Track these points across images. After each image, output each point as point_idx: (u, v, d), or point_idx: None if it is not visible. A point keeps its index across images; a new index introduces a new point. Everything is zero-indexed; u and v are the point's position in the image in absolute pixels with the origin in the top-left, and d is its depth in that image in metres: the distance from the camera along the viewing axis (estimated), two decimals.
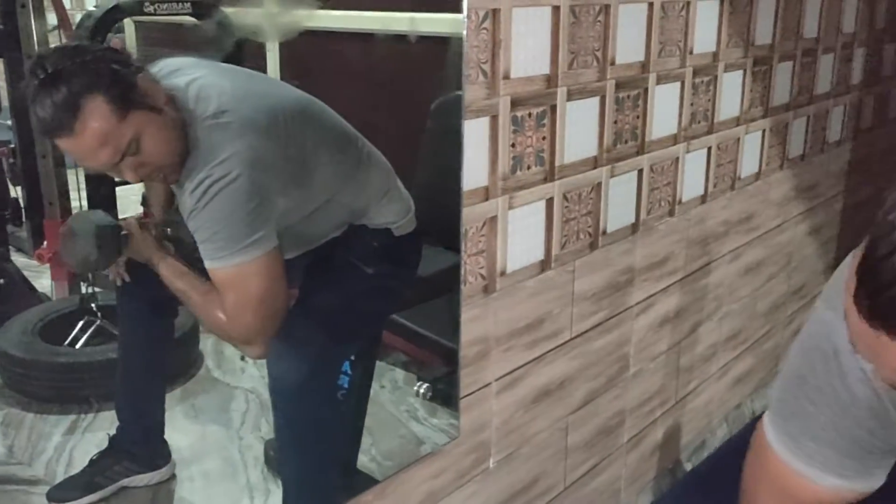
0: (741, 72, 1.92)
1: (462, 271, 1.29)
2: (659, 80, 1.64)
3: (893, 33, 2.71)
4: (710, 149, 1.87)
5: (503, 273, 1.38)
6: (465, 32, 1.19)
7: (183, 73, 1.22)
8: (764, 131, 2.09)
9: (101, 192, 1.46)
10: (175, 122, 1.15)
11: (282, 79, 1.50)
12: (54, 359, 1.58)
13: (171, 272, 1.24)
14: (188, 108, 1.16)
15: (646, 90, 1.61)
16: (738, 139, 1.98)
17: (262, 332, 1.20)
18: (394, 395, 1.49)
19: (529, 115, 1.35)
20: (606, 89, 1.50)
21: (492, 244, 1.34)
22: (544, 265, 1.46)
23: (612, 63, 1.50)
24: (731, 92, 1.91)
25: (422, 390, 1.27)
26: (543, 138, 1.39)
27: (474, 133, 1.26)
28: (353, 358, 1.35)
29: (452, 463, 1.37)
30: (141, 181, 1.20)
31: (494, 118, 1.29)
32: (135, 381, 1.50)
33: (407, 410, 1.41)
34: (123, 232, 1.26)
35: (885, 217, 0.61)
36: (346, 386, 1.34)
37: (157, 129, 1.12)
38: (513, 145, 1.33)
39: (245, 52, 1.48)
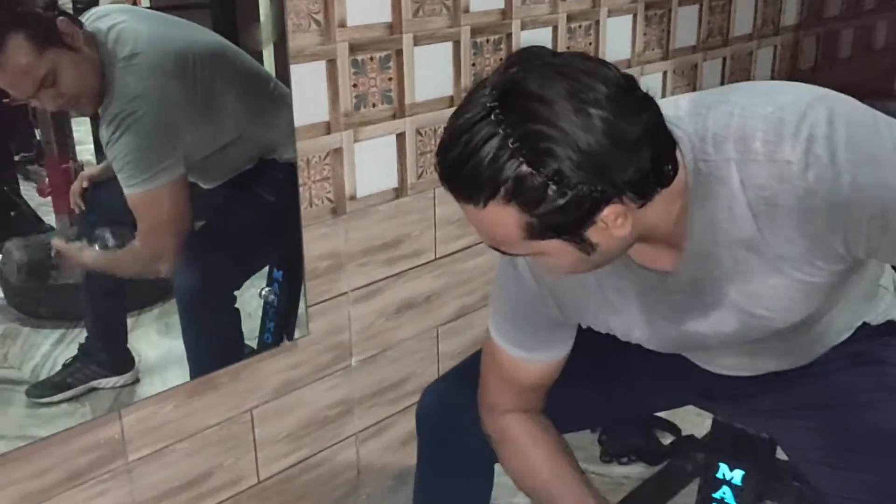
0: (630, 16, 2.07)
1: (307, 195, 1.53)
2: (525, 27, 1.81)
3: None
4: None
5: (353, 197, 1.60)
6: None
7: (109, 18, 1.41)
8: (665, 73, 2.22)
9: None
10: (90, 61, 1.34)
11: None
12: (47, 280, 1.86)
13: (94, 262, 1.49)
14: (107, 49, 1.36)
15: (509, 35, 1.78)
16: None
17: (169, 251, 1.46)
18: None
19: (371, 58, 1.56)
20: (461, 35, 1.69)
21: (338, 172, 1.56)
22: (399, 192, 1.68)
23: (466, 11, 1.68)
24: (619, 35, 2.05)
25: (263, 292, 1.51)
26: (390, 79, 1.60)
27: (309, 75, 1.47)
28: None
29: (309, 358, 1.62)
30: (59, 110, 1.44)
31: (332, 62, 1.50)
32: (96, 299, 1.76)
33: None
34: (53, 253, 1.48)
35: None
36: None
37: (71, 66, 1.31)
38: (355, 85, 1.54)
39: None
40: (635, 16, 2.08)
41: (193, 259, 1.51)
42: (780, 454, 1.33)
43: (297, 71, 1.44)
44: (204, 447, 1.50)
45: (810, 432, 1.13)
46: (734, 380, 1.21)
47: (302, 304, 1.56)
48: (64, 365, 1.51)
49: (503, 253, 0.90)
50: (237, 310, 1.61)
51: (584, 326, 1.11)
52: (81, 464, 1.35)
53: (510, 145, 0.77)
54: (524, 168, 0.77)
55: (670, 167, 0.85)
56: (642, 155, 0.80)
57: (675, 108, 0.90)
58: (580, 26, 1.94)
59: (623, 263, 0.98)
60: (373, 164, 1.62)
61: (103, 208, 1.54)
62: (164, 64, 1.38)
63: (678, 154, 0.87)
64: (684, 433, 2.03)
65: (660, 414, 2.14)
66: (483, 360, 1.19)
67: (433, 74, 1.66)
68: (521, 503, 1.67)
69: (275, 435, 1.61)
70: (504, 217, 0.81)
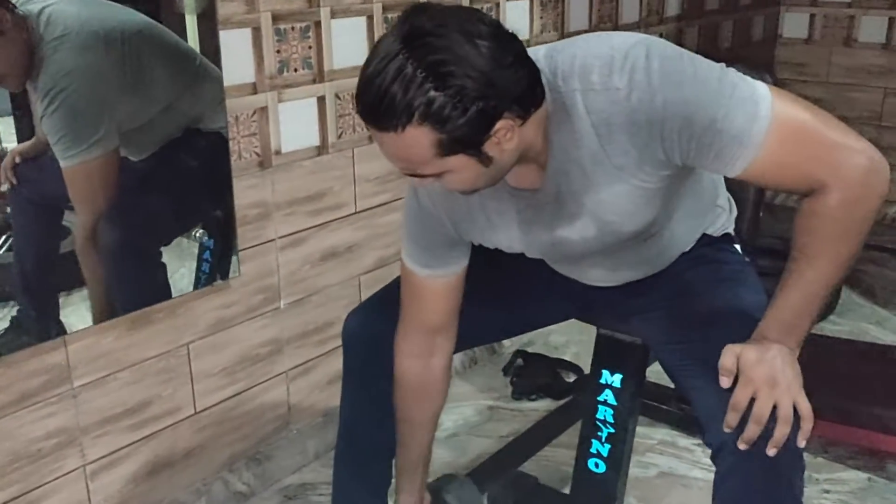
0: (528, 1, 2.30)
1: (237, 148, 1.69)
2: None
3: None
4: None
5: (278, 152, 1.78)
6: None
7: (40, 1, 1.55)
8: None
9: None
10: (17, 41, 1.47)
11: None
12: None
13: None
14: (38, 31, 1.52)
15: None
16: None
17: (101, 215, 1.59)
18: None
19: (293, 28, 1.74)
20: (374, 11, 1.89)
21: (264, 129, 1.74)
22: (321, 150, 1.86)
23: None
24: (518, 17, 2.28)
25: (197, 234, 1.67)
26: (310, 48, 1.78)
27: (236, 40, 1.65)
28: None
29: (240, 298, 1.78)
30: None
31: (257, 29, 1.68)
32: (27, 270, 1.87)
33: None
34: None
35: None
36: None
37: None
38: (278, 51, 1.72)
39: None
40: (532, 1, 2.32)
41: (120, 221, 1.64)
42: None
43: (225, 36, 1.62)
44: (143, 377, 1.65)
45: (662, 321, 1.36)
46: (604, 290, 1.44)
47: (230, 249, 1.73)
48: None
49: (416, 176, 1.09)
50: (163, 263, 1.73)
51: (475, 244, 1.32)
52: (30, 386, 1.48)
53: (419, 75, 0.97)
54: (432, 92, 0.97)
55: (541, 91, 1.07)
56: (520, 73, 1.03)
57: (535, 54, 1.12)
58: (483, 7, 2.16)
59: (501, 188, 1.20)
60: (296, 123, 1.79)
61: (34, 182, 1.66)
62: (94, 42, 1.51)
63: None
64: (586, 373, 2.26)
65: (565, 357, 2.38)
66: (400, 288, 1.39)
67: (350, 43, 1.85)
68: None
69: (210, 369, 1.76)
70: (419, 138, 1.01)
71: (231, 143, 1.68)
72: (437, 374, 1.42)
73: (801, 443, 1.12)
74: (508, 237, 1.27)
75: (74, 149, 1.50)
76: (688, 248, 1.40)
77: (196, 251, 1.72)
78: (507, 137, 1.05)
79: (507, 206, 1.23)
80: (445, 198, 1.25)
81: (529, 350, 2.39)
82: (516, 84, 1.02)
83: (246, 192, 1.73)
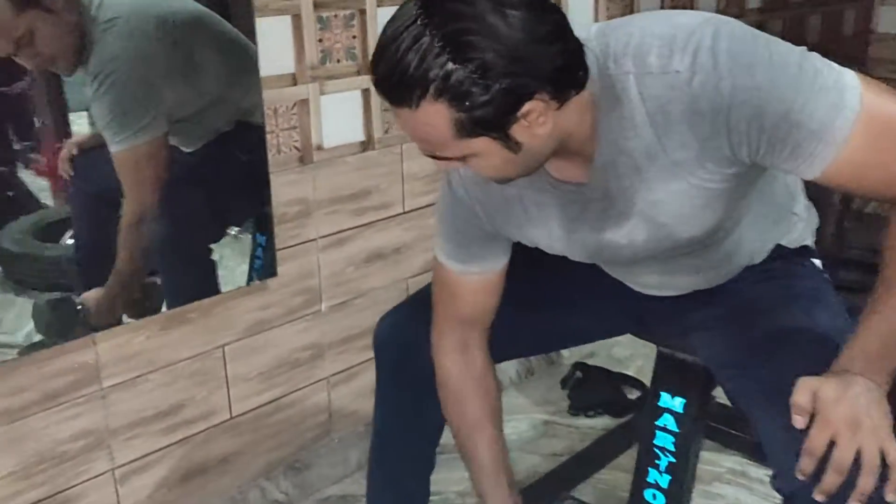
0: None
1: (275, 142, 1.62)
2: None
3: None
4: None
5: (320, 147, 1.69)
6: None
7: None
8: None
9: None
10: (69, 23, 1.44)
11: None
12: (41, 253, 1.95)
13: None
14: (90, 14, 1.47)
15: None
16: None
17: (153, 204, 1.55)
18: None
19: (336, 15, 1.66)
20: None
21: (305, 122, 1.66)
22: (366, 145, 1.77)
23: None
24: (581, 8, 2.15)
25: (233, 232, 1.60)
26: (354, 37, 1.70)
27: (275, 28, 1.57)
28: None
29: (279, 300, 1.70)
30: (38, 69, 1.54)
31: (297, 17, 1.60)
32: (85, 263, 1.86)
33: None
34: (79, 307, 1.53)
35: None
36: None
37: (48, 27, 1.40)
38: (320, 40, 1.64)
39: None
40: None
41: (170, 213, 1.60)
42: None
43: (262, 24, 1.54)
44: (176, 379, 1.59)
45: (722, 340, 1.21)
46: (660, 300, 1.30)
47: (271, 248, 1.66)
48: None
49: (438, 158, 0.98)
50: (212, 261, 1.70)
51: (513, 240, 1.20)
52: (57, 386, 1.43)
53: (436, 44, 0.86)
54: (450, 65, 0.86)
55: (582, 73, 0.94)
56: (555, 49, 0.89)
57: (586, 32, 1.00)
58: None
59: (542, 178, 1.07)
60: (339, 116, 1.71)
61: (90, 173, 1.64)
62: (144, 28, 1.48)
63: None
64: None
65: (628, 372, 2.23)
66: (432, 285, 1.28)
67: None
68: None
69: (246, 373, 1.69)
70: (435, 116, 0.89)
71: (269, 136, 1.60)
72: (480, 365, 1.28)
73: (891, 496, 0.93)
74: (549, 235, 1.14)
75: (122, 133, 1.48)
76: (757, 261, 1.24)
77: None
78: (538, 121, 0.92)
79: (547, 200, 1.10)
80: (480, 186, 1.13)
81: (590, 362, 2.25)
82: (551, 61, 0.89)
83: (285, 189, 1.65)
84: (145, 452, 1.57)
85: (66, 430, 1.46)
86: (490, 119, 0.90)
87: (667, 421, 1.50)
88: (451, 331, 1.26)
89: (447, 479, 1.75)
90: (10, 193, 1.81)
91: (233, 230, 1.61)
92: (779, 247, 1.25)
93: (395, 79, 0.88)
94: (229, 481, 1.72)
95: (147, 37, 1.48)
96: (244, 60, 1.62)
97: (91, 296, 1.54)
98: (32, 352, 1.44)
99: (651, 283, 1.27)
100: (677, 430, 1.49)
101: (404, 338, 1.33)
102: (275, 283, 1.68)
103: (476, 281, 1.22)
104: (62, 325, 1.54)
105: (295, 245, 1.70)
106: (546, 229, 1.14)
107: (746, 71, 0.91)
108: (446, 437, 1.38)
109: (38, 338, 1.55)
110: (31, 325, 1.79)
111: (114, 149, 1.48)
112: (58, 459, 1.46)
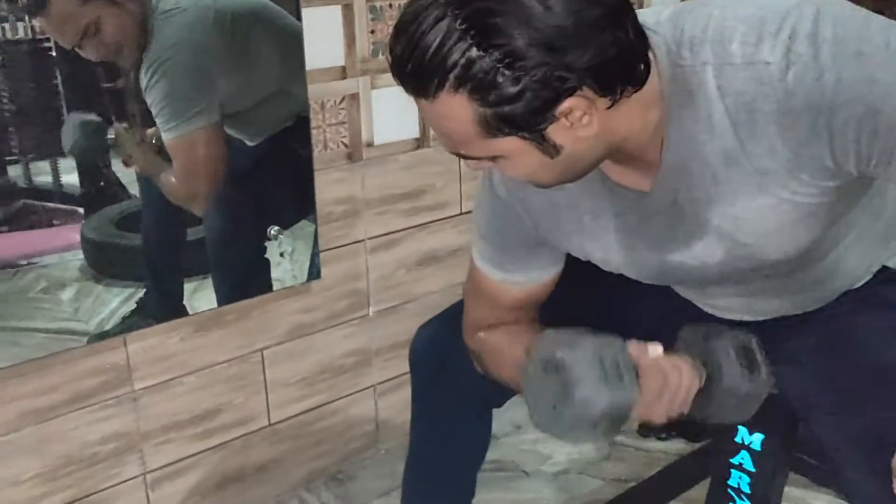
0: None
1: (322, 138, 1.53)
2: None
3: None
4: None
5: (370, 144, 1.60)
6: None
7: None
8: None
9: None
10: (132, 13, 1.43)
11: None
12: (119, 241, 1.98)
13: (144, 158, 1.50)
14: (151, 3, 1.46)
15: None
16: None
17: (201, 194, 1.52)
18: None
19: (390, 6, 1.55)
20: None
21: (354, 117, 1.56)
22: (420, 142, 1.66)
23: None
24: None
25: (272, 232, 1.52)
26: None
27: (323, 18, 1.48)
28: None
29: (322, 303, 1.62)
30: (101, 59, 1.52)
31: (348, 7, 1.50)
32: (154, 254, 1.84)
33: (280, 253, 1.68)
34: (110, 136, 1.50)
35: None
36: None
37: (112, 17, 1.40)
38: (372, 32, 1.54)
39: None
40: None
41: (227, 205, 1.56)
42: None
43: (310, 14, 1.46)
44: (212, 383, 1.53)
45: (812, 376, 1.03)
46: (737, 325, 1.13)
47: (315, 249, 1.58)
48: (123, 318, 1.57)
49: (464, 157, 0.86)
50: (266, 259, 1.64)
51: (562, 250, 1.06)
52: (87, 386, 1.39)
53: (458, 27, 0.73)
54: (473, 51, 0.73)
55: (642, 67, 0.79)
56: (605, 38, 0.74)
57: (657, 16, 0.85)
58: None
59: (597, 182, 0.92)
60: (392, 112, 1.61)
61: None
62: (203, 17, 1.45)
63: (653, 61, 0.82)
64: None
65: None
66: (466, 287, 1.15)
67: None
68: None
69: (287, 378, 1.62)
70: (456, 109, 0.76)
71: (315, 132, 1.52)
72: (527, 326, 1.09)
73: None
74: (604, 248, 0.98)
75: (174, 121, 1.45)
76: (858, 284, 1.05)
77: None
78: (582, 121, 0.77)
79: (602, 206, 0.94)
80: (524, 186, 0.97)
81: None
82: (599, 51, 0.74)
83: (331, 187, 1.57)
84: (178, 458, 1.52)
85: (97, 433, 1.42)
86: (520, 117, 0.76)
87: (743, 459, 1.34)
88: (485, 318, 1.11)
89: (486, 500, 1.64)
90: (102, 183, 1.83)
91: (273, 229, 1.53)
92: (885, 269, 1.05)
93: (411, 64, 0.76)
94: (267, 490, 1.65)
95: (205, 27, 1.45)
96: (301, 54, 1.55)
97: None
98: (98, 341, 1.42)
99: (728, 305, 1.10)
100: (754, 471, 1.33)
101: (443, 352, 1.21)
102: (318, 285, 1.60)
103: (519, 292, 1.08)
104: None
105: (341, 246, 1.61)
106: (601, 242, 0.98)
107: (856, 61, 0.74)
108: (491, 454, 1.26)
109: (108, 326, 1.54)
110: (103, 313, 1.80)
111: (166, 136, 1.46)
112: (86, 462, 1.42)
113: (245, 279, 1.65)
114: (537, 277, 1.07)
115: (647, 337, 1.21)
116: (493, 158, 0.83)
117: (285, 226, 1.60)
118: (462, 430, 1.25)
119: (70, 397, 1.38)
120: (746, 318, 1.11)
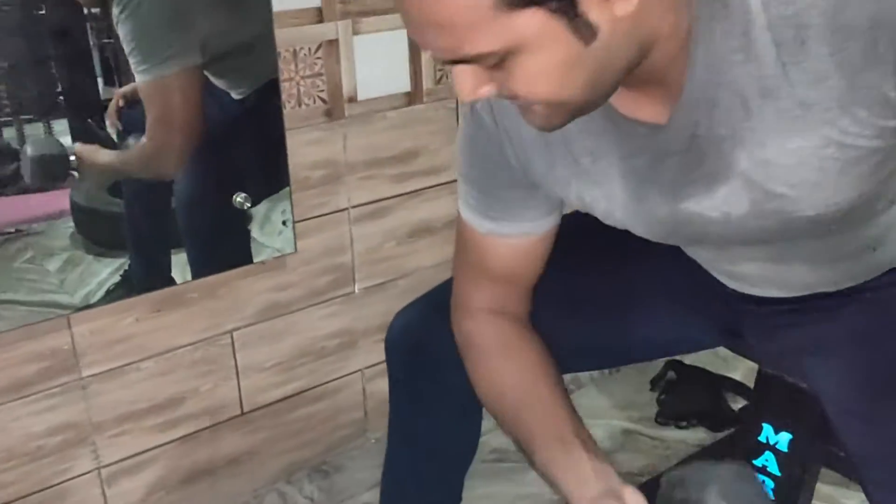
0: None
1: (294, 92, 1.35)
2: None
3: None
4: None
5: (353, 100, 1.41)
6: None
7: None
8: None
9: None
10: None
11: None
12: (109, 208, 1.86)
13: (107, 161, 1.38)
14: None
15: None
16: None
17: (175, 148, 1.35)
18: None
19: None
20: None
21: (332, 68, 1.37)
22: (412, 98, 1.47)
23: None
24: None
25: (239, 199, 1.35)
26: None
27: None
28: None
29: (299, 280, 1.45)
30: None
31: None
32: (137, 224, 1.71)
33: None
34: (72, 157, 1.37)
35: None
36: None
37: None
38: None
39: None
40: None
41: (199, 165, 1.40)
42: None
43: None
44: (174, 369, 1.37)
45: (850, 376, 0.85)
46: (763, 304, 0.94)
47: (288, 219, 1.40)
48: (107, 291, 1.46)
49: (462, 61, 0.63)
50: (246, 229, 1.48)
51: (556, 197, 0.88)
52: (27, 373, 1.24)
53: None
54: None
55: None
56: None
57: None
58: None
59: (600, 117, 0.74)
60: (378, 62, 1.41)
61: (139, 126, 1.46)
62: None
63: None
64: None
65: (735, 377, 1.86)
66: (455, 249, 0.98)
67: None
68: None
69: (261, 363, 1.45)
70: None
71: (286, 85, 1.33)
72: (522, 328, 0.95)
73: None
74: (607, 197, 0.81)
75: (146, 63, 1.28)
76: None
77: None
78: None
79: (605, 147, 0.77)
80: (513, 115, 0.79)
81: (686, 362, 1.89)
82: None
83: (306, 149, 1.38)
84: (137, 451, 1.37)
85: (41, 424, 1.27)
86: None
87: (767, 460, 1.17)
88: (478, 291, 0.95)
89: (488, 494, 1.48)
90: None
91: (239, 196, 1.36)
92: None
93: None
94: (242, 484, 1.50)
95: None
96: None
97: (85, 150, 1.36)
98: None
99: (749, 273, 0.92)
100: (779, 475, 1.16)
101: (416, 342, 1.04)
102: (294, 260, 1.43)
103: (508, 250, 0.91)
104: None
105: (320, 216, 1.43)
106: (603, 189, 0.80)
107: None
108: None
109: (93, 300, 1.42)
110: (90, 286, 1.69)
111: (139, 79, 1.29)
112: (30, 456, 1.27)
113: (219, 251, 1.50)
114: (529, 229, 0.90)
115: (674, 333, 1.04)
116: (504, 58, 0.62)
117: (260, 193, 1.44)
118: (446, 428, 1.08)
119: (9, 384, 1.23)
120: (768, 292, 0.93)
